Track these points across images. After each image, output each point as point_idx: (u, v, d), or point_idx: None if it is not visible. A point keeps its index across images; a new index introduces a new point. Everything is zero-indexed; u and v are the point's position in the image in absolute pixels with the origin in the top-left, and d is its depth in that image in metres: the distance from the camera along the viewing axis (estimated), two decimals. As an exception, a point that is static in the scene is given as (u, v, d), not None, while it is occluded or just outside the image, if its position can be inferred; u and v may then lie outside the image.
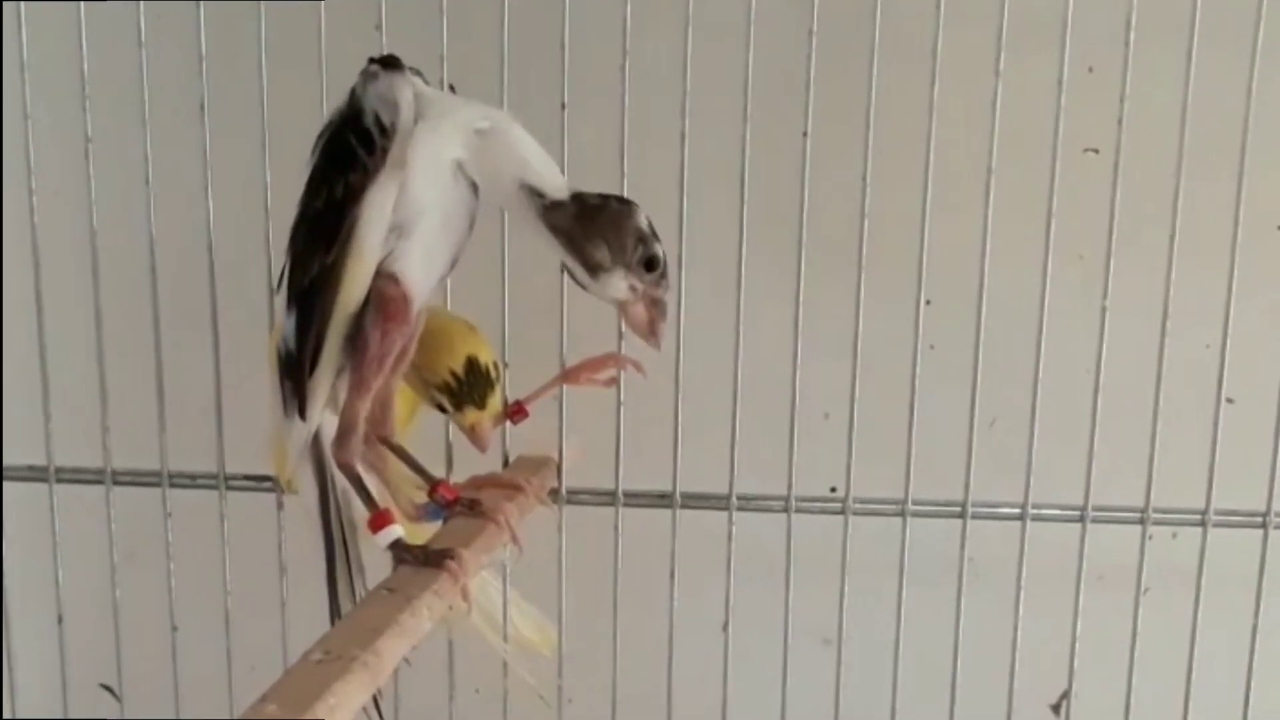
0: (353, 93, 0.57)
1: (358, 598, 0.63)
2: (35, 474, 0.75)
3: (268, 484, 0.73)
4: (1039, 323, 0.68)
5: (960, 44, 0.66)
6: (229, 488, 0.74)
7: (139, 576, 0.77)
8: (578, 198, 0.57)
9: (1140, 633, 0.72)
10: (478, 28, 0.68)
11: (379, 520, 0.58)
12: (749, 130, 0.67)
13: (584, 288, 0.59)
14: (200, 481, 0.75)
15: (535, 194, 0.57)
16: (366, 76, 0.57)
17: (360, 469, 0.59)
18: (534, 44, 0.68)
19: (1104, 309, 0.68)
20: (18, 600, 0.77)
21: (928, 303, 0.69)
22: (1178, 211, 0.67)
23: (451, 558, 0.57)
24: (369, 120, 0.56)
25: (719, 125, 0.68)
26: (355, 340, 0.57)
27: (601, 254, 0.57)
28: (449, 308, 0.70)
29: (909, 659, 0.72)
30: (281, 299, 0.59)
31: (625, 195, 0.61)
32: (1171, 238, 0.67)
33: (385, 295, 0.56)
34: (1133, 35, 0.66)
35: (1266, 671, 0.72)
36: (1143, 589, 0.71)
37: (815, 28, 0.67)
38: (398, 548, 0.58)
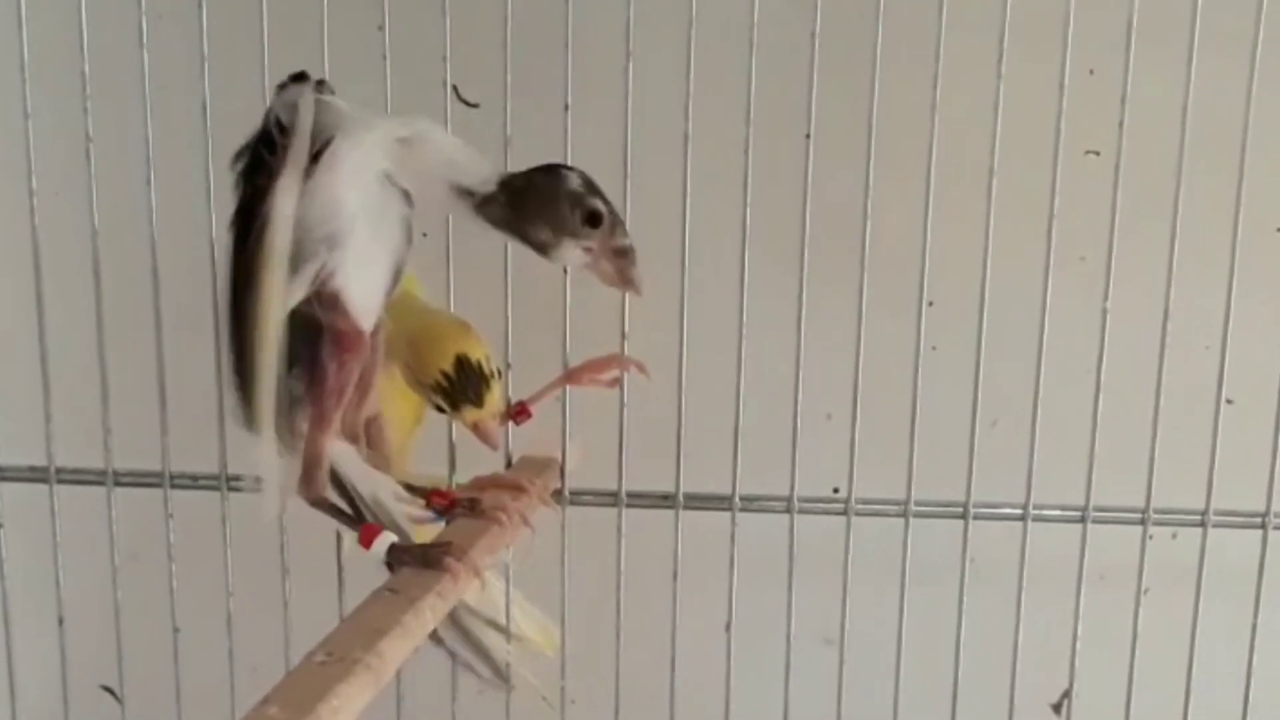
0: (267, 109, 0.58)
1: None
2: (36, 475, 0.75)
3: (270, 485, 0.73)
4: (1040, 324, 0.69)
5: (962, 46, 0.66)
6: (231, 489, 0.74)
7: (140, 578, 0.77)
8: (505, 184, 0.57)
9: (1141, 632, 0.72)
10: (480, 28, 0.68)
11: (368, 533, 0.58)
12: (752, 132, 0.67)
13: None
14: (202, 482, 0.74)
15: (465, 193, 0.57)
16: (277, 90, 0.58)
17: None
18: (537, 45, 0.67)
19: (1105, 310, 0.69)
20: (19, 602, 0.77)
21: (930, 304, 0.69)
22: (1178, 213, 0.67)
23: (448, 554, 0.57)
24: (270, 123, 0.56)
25: (722, 127, 0.68)
26: (312, 374, 0.57)
27: (543, 234, 0.57)
28: (451, 308, 0.70)
29: (911, 659, 0.73)
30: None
31: (558, 163, 0.60)
32: (1172, 239, 0.68)
33: (337, 329, 0.56)
34: (1134, 38, 0.66)
35: (1266, 671, 0.72)
36: (1143, 589, 0.72)
37: (818, 30, 0.67)
38: (394, 553, 0.58)
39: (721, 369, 0.70)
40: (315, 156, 0.55)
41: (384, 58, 0.69)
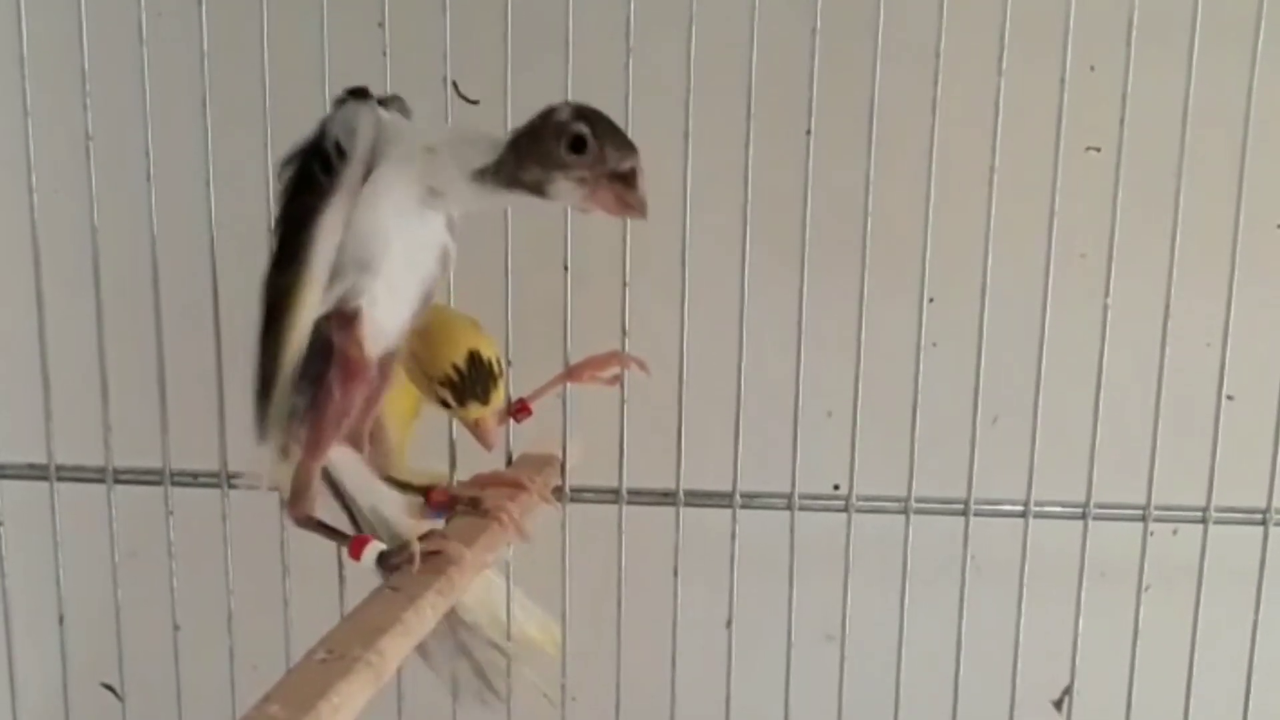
0: (322, 122, 0.57)
1: None
2: (36, 472, 0.75)
3: (270, 482, 0.73)
4: (1041, 320, 0.69)
5: (963, 42, 0.66)
6: (231, 486, 0.74)
7: (141, 575, 0.77)
8: (509, 145, 0.56)
9: (1142, 629, 0.72)
10: (480, 25, 0.68)
11: (356, 544, 0.58)
12: (752, 128, 0.67)
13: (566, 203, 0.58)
14: (202, 480, 0.74)
15: (480, 174, 0.56)
16: (336, 104, 0.58)
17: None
18: (537, 42, 0.67)
19: (1105, 307, 0.69)
20: (19, 600, 0.77)
21: (930, 300, 0.69)
22: (1179, 210, 0.67)
23: (437, 550, 0.57)
24: (329, 144, 0.56)
25: (722, 123, 0.68)
26: (315, 395, 0.57)
27: (534, 173, 0.55)
28: (452, 305, 0.70)
29: (912, 656, 0.72)
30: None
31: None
32: (1173, 236, 0.68)
33: (346, 355, 0.56)
34: (1134, 34, 0.66)
35: (1267, 668, 0.72)
36: (1144, 586, 0.72)
37: (818, 26, 0.67)
38: (384, 560, 0.58)
39: (722, 365, 0.70)
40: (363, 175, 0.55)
41: (384, 54, 0.69)
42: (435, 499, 0.64)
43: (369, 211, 0.55)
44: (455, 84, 0.66)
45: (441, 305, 0.68)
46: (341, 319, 0.56)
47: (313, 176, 0.55)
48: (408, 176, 0.56)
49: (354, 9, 0.69)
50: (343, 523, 0.64)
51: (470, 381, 0.64)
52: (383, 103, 0.59)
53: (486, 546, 0.62)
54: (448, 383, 0.64)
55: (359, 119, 0.56)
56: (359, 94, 0.58)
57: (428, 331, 0.64)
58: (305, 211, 0.55)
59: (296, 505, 0.58)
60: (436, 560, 0.57)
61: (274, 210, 0.58)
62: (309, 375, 0.57)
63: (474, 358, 0.64)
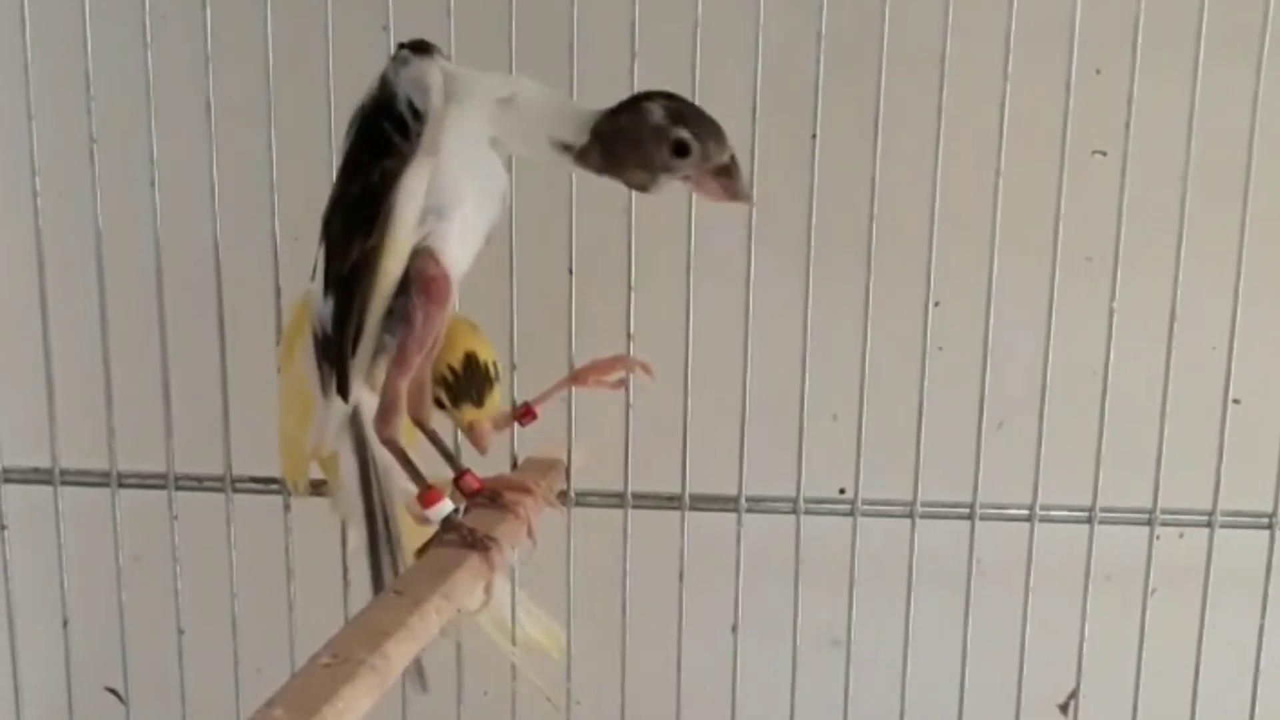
0: (384, 78, 0.58)
1: (399, 571, 0.63)
2: (40, 476, 0.75)
3: (275, 486, 0.73)
4: (1047, 324, 0.69)
5: (968, 47, 0.66)
6: (236, 490, 0.74)
7: (145, 580, 0.77)
8: (595, 132, 0.57)
9: (1147, 633, 0.72)
10: (485, 28, 0.68)
11: (431, 496, 0.59)
12: (757, 132, 0.67)
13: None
14: (207, 484, 0.74)
15: (564, 147, 0.57)
16: (398, 61, 0.58)
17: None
18: (541, 45, 0.67)
19: (1111, 311, 0.69)
20: (23, 604, 0.76)
21: (936, 304, 0.69)
22: (1185, 213, 0.67)
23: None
24: (402, 105, 0.56)
25: (727, 127, 0.67)
26: (399, 321, 0.58)
27: (638, 175, 0.57)
28: (457, 307, 0.70)
29: (917, 660, 0.72)
30: (316, 287, 0.60)
31: (643, 93, 0.59)
32: (1179, 240, 0.68)
33: (428, 275, 0.57)
34: (1140, 38, 0.66)
35: (1273, 672, 0.72)
36: (1150, 590, 0.72)
37: (824, 31, 0.67)
38: (449, 523, 0.59)
39: (727, 369, 0.70)
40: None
41: (389, 58, 0.68)
42: (465, 484, 0.64)
43: (444, 162, 0.56)
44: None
45: None
46: (418, 254, 0.57)
47: (387, 139, 0.56)
48: (479, 125, 0.57)
49: (359, 12, 0.69)
50: (351, 469, 0.64)
51: (465, 383, 0.65)
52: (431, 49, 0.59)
53: (503, 538, 0.62)
54: (442, 383, 0.65)
55: (429, 76, 0.56)
56: (421, 48, 0.58)
57: None
58: (385, 175, 0.55)
59: (384, 423, 0.59)
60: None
61: (342, 166, 0.58)
62: (388, 312, 0.58)
63: (470, 360, 0.65)
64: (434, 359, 0.64)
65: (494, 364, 0.66)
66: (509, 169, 0.60)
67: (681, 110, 0.57)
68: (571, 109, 0.58)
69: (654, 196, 0.59)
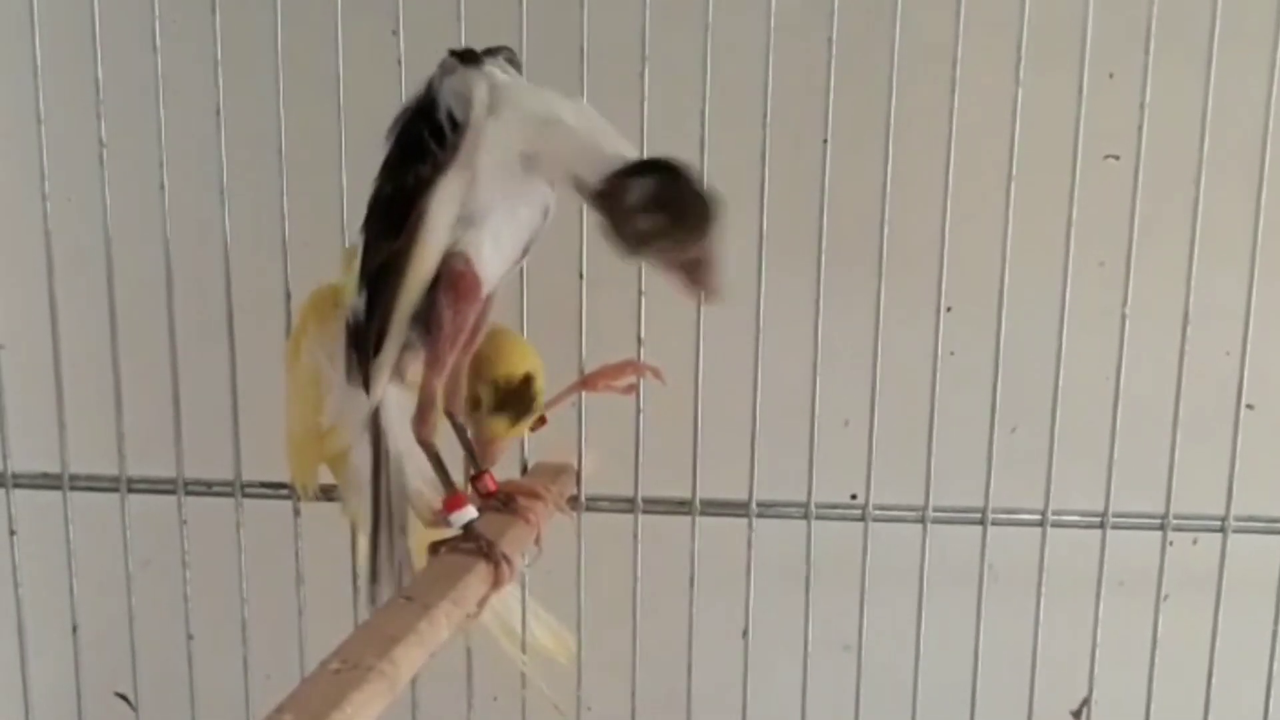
0: (429, 84, 0.58)
1: (398, 567, 0.63)
2: (49, 481, 0.75)
3: (284, 492, 0.73)
4: (1059, 329, 0.69)
5: (980, 51, 0.66)
6: (245, 495, 0.74)
7: (154, 585, 0.77)
8: (608, 181, 0.55)
9: (1160, 639, 0.72)
10: (496, 34, 0.67)
11: (454, 502, 0.59)
12: (769, 137, 0.67)
13: None
14: (216, 489, 0.74)
15: (581, 183, 0.56)
16: (444, 69, 0.58)
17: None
18: (553, 50, 0.67)
19: (1124, 315, 0.69)
20: (32, 609, 0.76)
21: (948, 309, 0.69)
22: (1198, 218, 0.67)
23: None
24: (442, 114, 0.56)
25: (739, 132, 0.68)
26: (429, 319, 0.58)
27: (615, 245, 0.56)
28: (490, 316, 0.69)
29: (929, 665, 0.72)
30: (351, 279, 0.60)
31: (654, 160, 0.55)
32: (1191, 244, 0.67)
33: (457, 272, 0.57)
34: (1152, 42, 0.66)
35: (1287, 678, 0.72)
36: (1163, 595, 0.71)
37: (835, 35, 0.67)
38: (469, 531, 0.59)
39: (738, 374, 0.70)
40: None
41: (399, 63, 0.68)
42: (483, 484, 0.64)
43: (480, 173, 0.56)
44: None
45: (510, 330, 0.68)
46: (449, 257, 0.57)
47: (424, 144, 0.56)
48: (514, 138, 0.56)
49: (368, 17, 0.69)
50: (365, 460, 0.63)
51: (513, 400, 0.65)
52: (490, 53, 0.59)
53: (513, 546, 0.62)
54: (493, 386, 0.64)
55: (472, 88, 0.56)
56: (469, 58, 0.58)
57: (505, 338, 0.64)
58: (419, 181, 0.56)
59: (423, 423, 0.59)
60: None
61: (383, 165, 0.58)
62: (419, 310, 0.58)
63: (527, 381, 0.65)
64: (495, 363, 0.64)
65: (541, 394, 0.66)
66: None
67: (665, 194, 0.53)
68: (600, 152, 0.55)
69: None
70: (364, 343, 0.59)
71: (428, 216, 0.55)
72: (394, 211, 0.56)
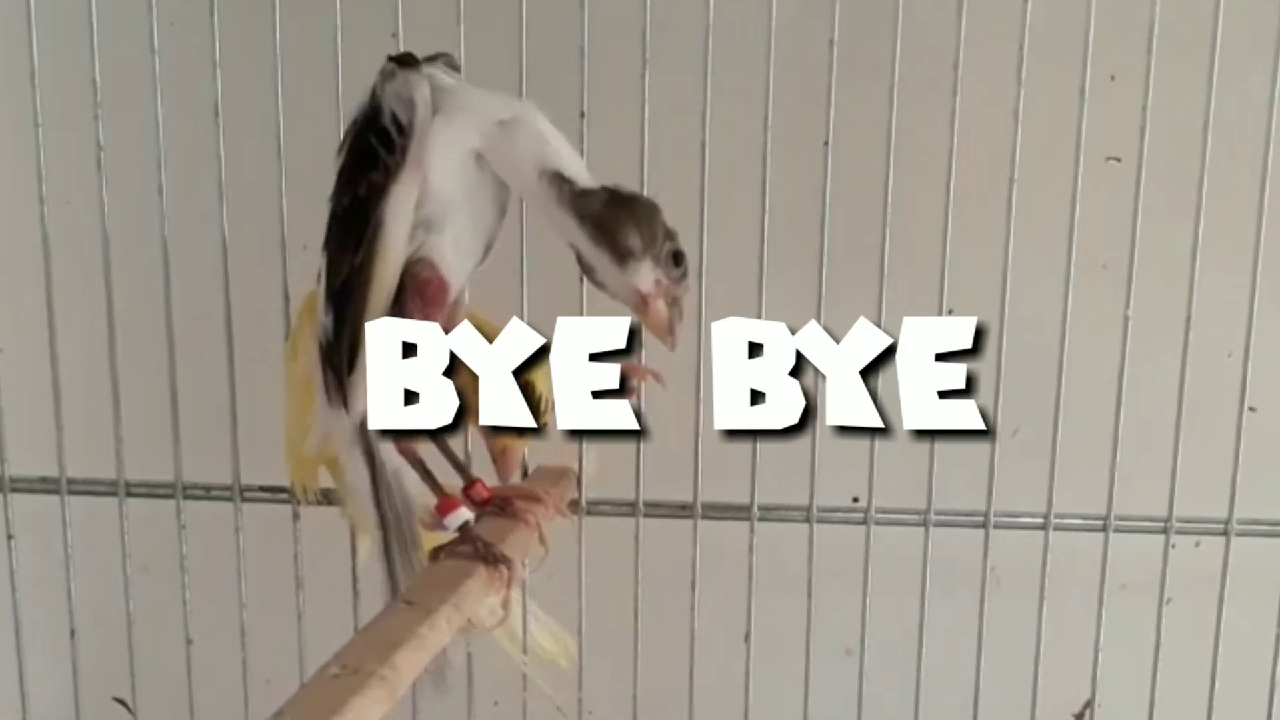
0: (372, 92, 0.58)
1: (416, 571, 0.62)
2: (47, 485, 0.75)
3: (283, 496, 0.73)
4: (1061, 332, 0.68)
5: (982, 53, 0.66)
6: (244, 499, 0.73)
7: (153, 589, 0.76)
8: (608, 189, 0.57)
9: (1163, 642, 0.72)
10: (496, 35, 0.67)
11: (448, 505, 0.59)
12: (770, 139, 0.67)
13: (601, 285, 0.58)
14: (215, 493, 0.74)
15: (562, 180, 0.56)
16: (384, 75, 0.57)
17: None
18: (553, 52, 0.67)
19: (1126, 318, 0.68)
20: (31, 613, 0.76)
21: (949, 312, 0.69)
22: (1200, 220, 0.67)
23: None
24: (387, 119, 0.56)
25: (740, 134, 0.67)
26: None
27: (634, 240, 0.56)
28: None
29: (931, 669, 0.72)
30: (319, 298, 0.59)
31: None
32: (1194, 246, 0.67)
33: (423, 279, 0.57)
34: (1155, 44, 0.66)
35: (1291, 681, 0.72)
36: (1166, 598, 0.71)
37: (836, 37, 0.66)
38: (465, 534, 0.59)
39: (739, 377, 0.69)
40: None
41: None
42: (475, 493, 0.64)
43: (433, 175, 0.56)
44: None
45: None
46: (412, 262, 0.57)
47: (373, 153, 0.56)
48: (466, 138, 0.56)
49: (368, 19, 0.68)
50: (362, 477, 0.62)
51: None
52: (430, 59, 0.59)
53: (516, 550, 0.61)
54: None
55: (414, 90, 0.56)
56: (407, 62, 0.57)
57: None
58: (372, 189, 0.56)
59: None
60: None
61: (336, 180, 0.58)
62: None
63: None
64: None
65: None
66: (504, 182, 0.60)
67: (606, 222, 0.56)
68: (580, 159, 0.57)
69: (663, 200, 0.59)
70: (337, 360, 0.58)
71: (385, 225, 0.55)
72: (352, 224, 0.56)
